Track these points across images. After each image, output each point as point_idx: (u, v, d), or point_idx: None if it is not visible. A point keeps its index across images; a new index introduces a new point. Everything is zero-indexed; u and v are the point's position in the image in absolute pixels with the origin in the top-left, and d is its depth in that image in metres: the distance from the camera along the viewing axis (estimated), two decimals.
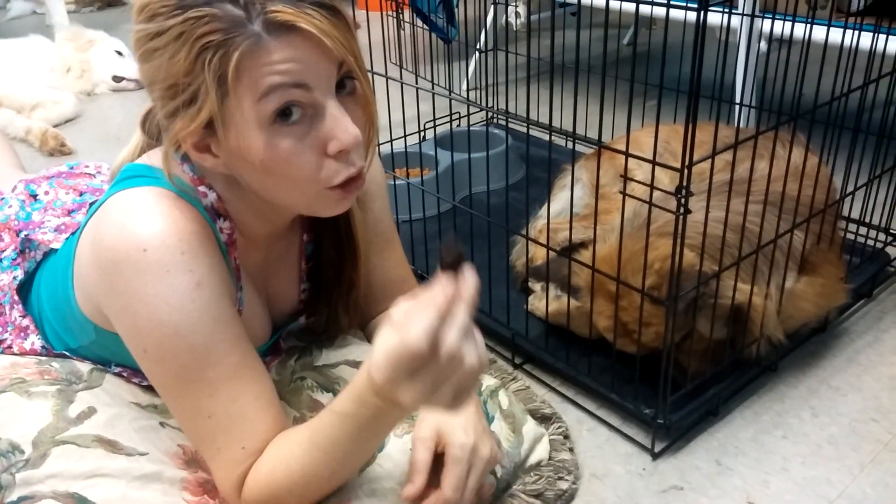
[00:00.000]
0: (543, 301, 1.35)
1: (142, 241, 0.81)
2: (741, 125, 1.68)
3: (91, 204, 0.97)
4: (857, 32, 1.27)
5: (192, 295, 0.82)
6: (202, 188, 0.89)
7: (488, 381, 1.13)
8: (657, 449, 1.15)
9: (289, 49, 0.76)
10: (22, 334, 1.08)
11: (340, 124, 0.80)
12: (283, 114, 0.78)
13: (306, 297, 1.11)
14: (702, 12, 0.89)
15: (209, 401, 0.85)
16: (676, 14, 1.20)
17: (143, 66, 0.81)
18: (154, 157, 0.90)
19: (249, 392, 0.87)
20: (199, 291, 0.82)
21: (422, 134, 1.78)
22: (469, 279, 0.71)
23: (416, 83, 1.44)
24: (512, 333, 1.35)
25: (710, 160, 1.05)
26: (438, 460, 0.92)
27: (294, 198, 0.86)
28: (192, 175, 0.89)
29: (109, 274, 0.83)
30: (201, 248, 0.83)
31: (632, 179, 1.04)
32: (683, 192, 0.98)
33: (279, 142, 0.79)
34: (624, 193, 1.06)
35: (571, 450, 1.13)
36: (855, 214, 1.53)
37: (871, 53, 1.30)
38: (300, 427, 0.87)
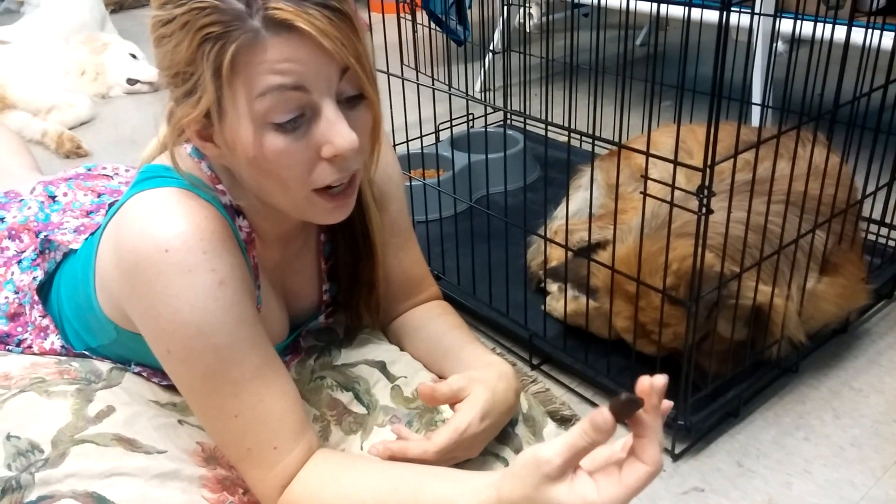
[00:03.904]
0: (561, 302, 1.34)
1: (163, 241, 0.81)
2: (759, 126, 1.67)
3: (110, 205, 0.97)
4: (878, 32, 1.26)
5: (216, 294, 0.82)
6: (221, 186, 0.89)
7: None
8: (678, 450, 1.14)
9: (287, 48, 0.76)
10: (42, 334, 1.08)
11: (336, 128, 0.79)
12: (290, 121, 0.78)
13: (328, 297, 1.10)
14: (724, 12, 0.88)
15: (234, 400, 0.84)
16: (692, 15, 1.19)
17: (156, 52, 0.82)
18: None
19: (274, 390, 0.86)
20: (222, 290, 0.82)
21: (437, 135, 1.77)
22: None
23: (433, 84, 1.44)
24: (529, 334, 1.34)
25: (730, 160, 1.04)
26: None
27: (284, 199, 0.85)
28: (211, 173, 0.89)
29: (132, 276, 0.83)
30: (223, 247, 0.83)
31: (651, 179, 1.03)
32: (705, 191, 0.97)
33: (271, 140, 0.79)
34: (644, 194, 1.05)
35: None
36: (876, 215, 1.52)
37: (893, 53, 1.29)
38: (374, 485, 0.84)
